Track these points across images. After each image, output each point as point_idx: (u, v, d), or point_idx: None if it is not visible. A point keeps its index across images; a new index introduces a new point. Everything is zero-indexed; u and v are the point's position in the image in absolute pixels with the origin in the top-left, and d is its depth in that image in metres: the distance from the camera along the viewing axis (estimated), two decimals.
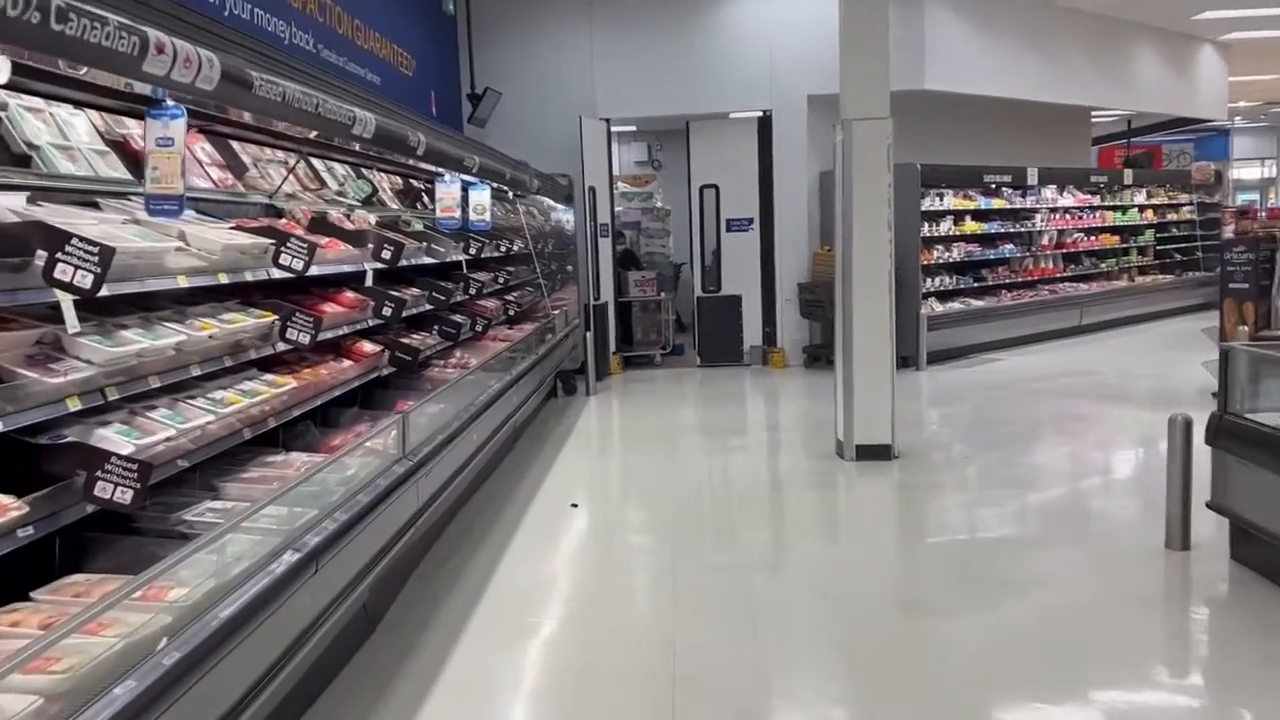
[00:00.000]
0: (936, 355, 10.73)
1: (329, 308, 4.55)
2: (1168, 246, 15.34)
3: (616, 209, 12.14)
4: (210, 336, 3.34)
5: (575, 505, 5.89)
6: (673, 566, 4.78)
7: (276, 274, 3.85)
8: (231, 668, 2.36)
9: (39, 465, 2.46)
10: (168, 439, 2.93)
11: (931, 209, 11.36)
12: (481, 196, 7.01)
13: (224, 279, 3.46)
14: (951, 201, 11.74)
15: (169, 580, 2.42)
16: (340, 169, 6.15)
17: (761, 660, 3.81)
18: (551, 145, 10.47)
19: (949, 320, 11.18)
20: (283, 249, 3.80)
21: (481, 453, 5.42)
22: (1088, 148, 15.73)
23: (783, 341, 11.40)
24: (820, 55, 10.22)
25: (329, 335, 4.43)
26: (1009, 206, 12.48)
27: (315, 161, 5.84)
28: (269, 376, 3.83)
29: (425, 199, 7.05)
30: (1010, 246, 12.52)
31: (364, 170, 6.48)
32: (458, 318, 6.50)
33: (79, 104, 3.38)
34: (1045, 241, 13.05)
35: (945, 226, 11.57)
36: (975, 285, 11.99)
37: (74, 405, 2.56)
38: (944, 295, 11.56)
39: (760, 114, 11.22)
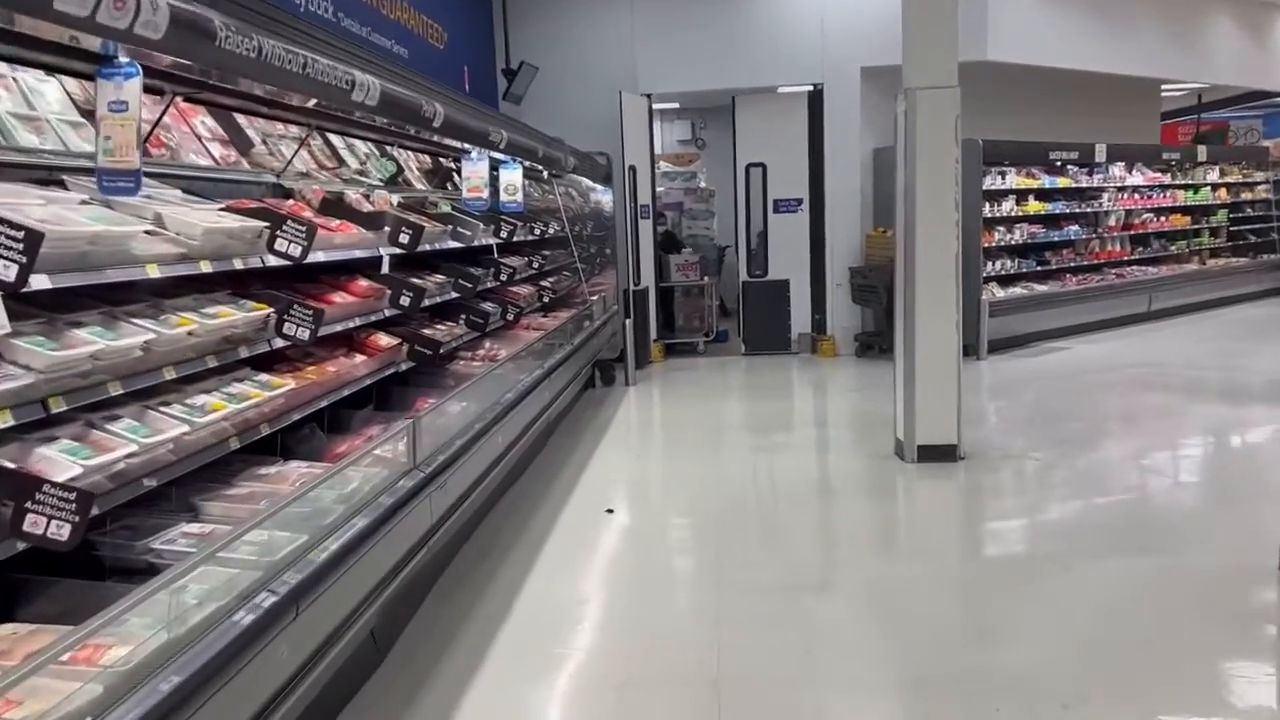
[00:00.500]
0: (998, 343, 10.11)
1: (338, 298, 4.12)
2: (1241, 228, 14.48)
3: (658, 189, 11.61)
4: (190, 333, 2.91)
5: (611, 511, 5.44)
6: (717, 586, 4.30)
7: (274, 261, 3.42)
8: None
9: None
10: (130, 456, 2.51)
11: (993, 188, 10.69)
12: (513, 176, 6.55)
13: (207, 267, 3.03)
14: (1014, 180, 11.06)
15: (110, 635, 2.00)
16: (362, 147, 5.72)
17: (819, 702, 3.32)
18: (590, 123, 9.98)
19: (1011, 306, 10.53)
20: (279, 233, 3.37)
21: (509, 454, 4.97)
22: (1156, 124, 14.86)
23: (833, 329, 10.83)
24: (875, 24, 9.69)
25: (339, 328, 4.01)
26: (1074, 185, 11.75)
27: (334, 138, 5.42)
28: (264, 377, 3.40)
29: (456, 179, 6.59)
30: (1075, 228, 11.81)
31: (389, 149, 6.06)
32: (487, 306, 6.06)
33: (51, 69, 2.96)
34: (1112, 222, 12.30)
35: (1007, 207, 10.90)
36: (1038, 269, 11.31)
37: (3, 421, 2.14)
38: (1005, 280, 10.91)
39: (811, 88, 10.62)
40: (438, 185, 6.53)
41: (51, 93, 3.18)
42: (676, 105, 13.53)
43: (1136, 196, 12.55)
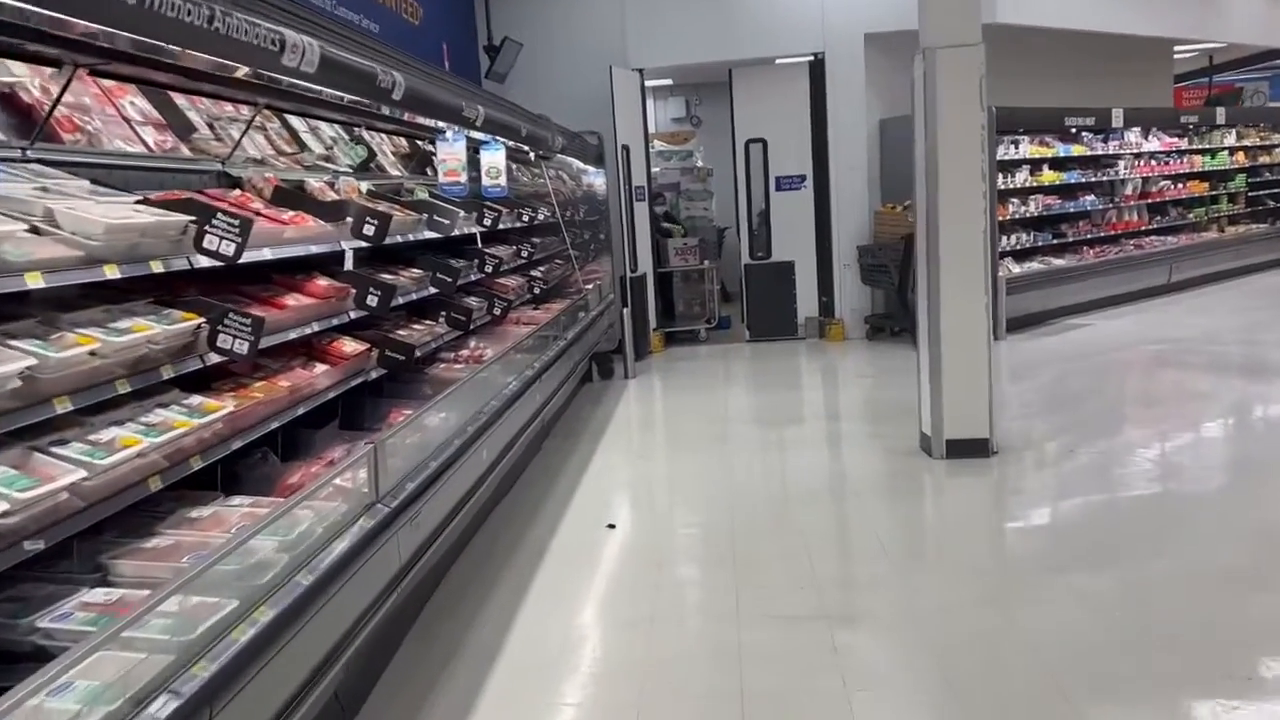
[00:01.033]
0: (1015, 322, 9.58)
1: (292, 301, 3.59)
2: (1260, 193, 13.92)
3: (653, 169, 11.04)
4: (92, 353, 2.39)
5: (612, 526, 4.91)
6: (735, 618, 3.76)
7: (205, 262, 2.89)
8: None
9: None
10: (3, 515, 1.99)
11: (1006, 158, 10.13)
12: (495, 158, 6.01)
13: (112, 273, 2.50)
14: (1027, 149, 10.49)
15: None
16: (329, 130, 5.19)
17: None
18: (580, 101, 9.41)
19: (1028, 282, 9.98)
20: (208, 228, 2.83)
21: (497, 468, 4.45)
22: (1169, 88, 14.28)
23: (841, 312, 10.29)
24: None
25: (293, 336, 3.48)
26: (1090, 153, 11.18)
27: (295, 121, 4.88)
28: (195, 399, 2.87)
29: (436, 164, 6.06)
30: (1091, 198, 11.25)
31: (360, 132, 5.53)
32: (471, 301, 5.54)
33: None
34: (1129, 191, 11.73)
35: (1021, 178, 10.34)
36: (1054, 242, 10.76)
37: None
38: (1020, 255, 10.36)
39: (811, 57, 10.03)
40: (416, 171, 5.99)
41: None
42: (670, 81, 12.94)
43: (1153, 163, 11.98)
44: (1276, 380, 7.37)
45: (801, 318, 10.42)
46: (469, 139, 5.66)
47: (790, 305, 10.43)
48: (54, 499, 2.14)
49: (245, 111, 4.15)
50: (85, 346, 2.37)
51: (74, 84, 2.89)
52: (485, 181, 6.07)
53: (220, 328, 2.86)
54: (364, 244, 4.02)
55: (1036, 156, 10.58)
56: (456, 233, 5.27)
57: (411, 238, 4.77)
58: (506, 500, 5.38)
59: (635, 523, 5.14)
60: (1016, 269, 10.07)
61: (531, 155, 7.38)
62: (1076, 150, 11.03)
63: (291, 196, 3.92)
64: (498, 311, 5.81)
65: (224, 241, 2.84)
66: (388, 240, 4.43)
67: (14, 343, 2.21)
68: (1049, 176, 10.66)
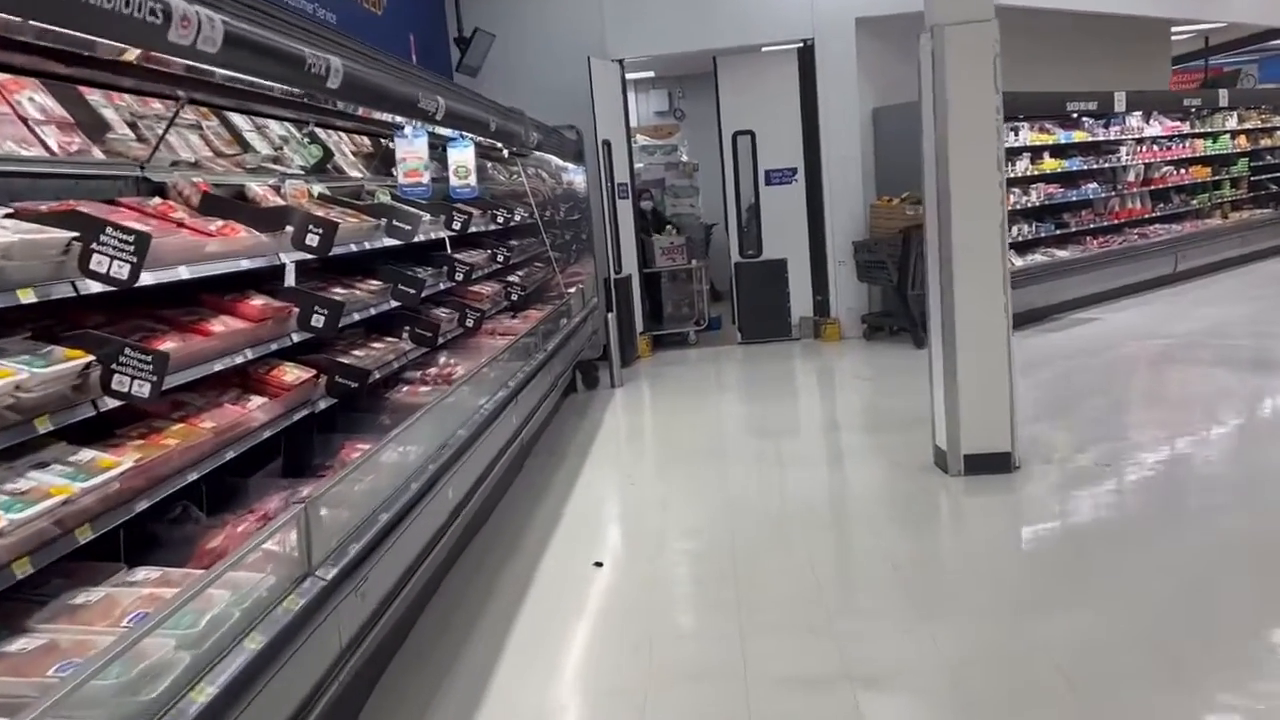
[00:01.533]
0: (1020, 318, 9.02)
1: (218, 326, 3.08)
2: (1262, 177, 13.52)
3: (636, 165, 10.53)
4: None
5: (599, 564, 4.41)
6: (743, 680, 3.25)
7: (98, 288, 2.39)
8: None
9: None
10: None
11: (1007, 145, 9.60)
12: (463, 155, 5.51)
13: None
14: (1028, 136, 10.04)
15: None
16: (278, 129, 4.67)
17: None
18: (558, 95, 8.89)
19: (1032, 275, 9.51)
20: (95, 246, 2.32)
21: (466, 509, 3.95)
22: (1166, 71, 13.86)
23: (837, 311, 9.80)
24: None
25: (219, 367, 2.97)
26: (1091, 139, 10.73)
27: (237, 118, 4.36)
28: (87, 455, 2.36)
29: None
30: (1093, 186, 10.80)
31: (315, 130, 5.01)
32: (440, 313, 5.04)
33: None
34: (1131, 178, 11.30)
35: (1022, 166, 9.89)
36: (1057, 233, 10.31)
37: None
38: (1023, 247, 9.90)
39: (800, 44, 9.52)
40: (380, 171, 5.48)
41: None
42: (651, 74, 12.45)
43: (1155, 148, 11.55)
44: None
45: (795, 317, 9.94)
46: (434, 135, 5.16)
47: (783, 305, 9.94)
48: None
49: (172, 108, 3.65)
50: None
51: None
52: (453, 181, 5.57)
53: (115, 366, 2.36)
54: (307, 255, 3.51)
55: (1037, 144, 10.12)
56: (421, 238, 4.77)
57: (369, 245, 4.27)
58: (483, 531, 4.88)
59: (625, 559, 4.64)
60: (1019, 262, 9.61)
61: (505, 152, 6.87)
62: (1078, 136, 10.59)
63: (223, 204, 3.41)
64: (470, 323, 5.31)
65: (115, 262, 2.34)
66: (342, 250, 3.93)
67: None
68: (1050, 164, 10.20)
